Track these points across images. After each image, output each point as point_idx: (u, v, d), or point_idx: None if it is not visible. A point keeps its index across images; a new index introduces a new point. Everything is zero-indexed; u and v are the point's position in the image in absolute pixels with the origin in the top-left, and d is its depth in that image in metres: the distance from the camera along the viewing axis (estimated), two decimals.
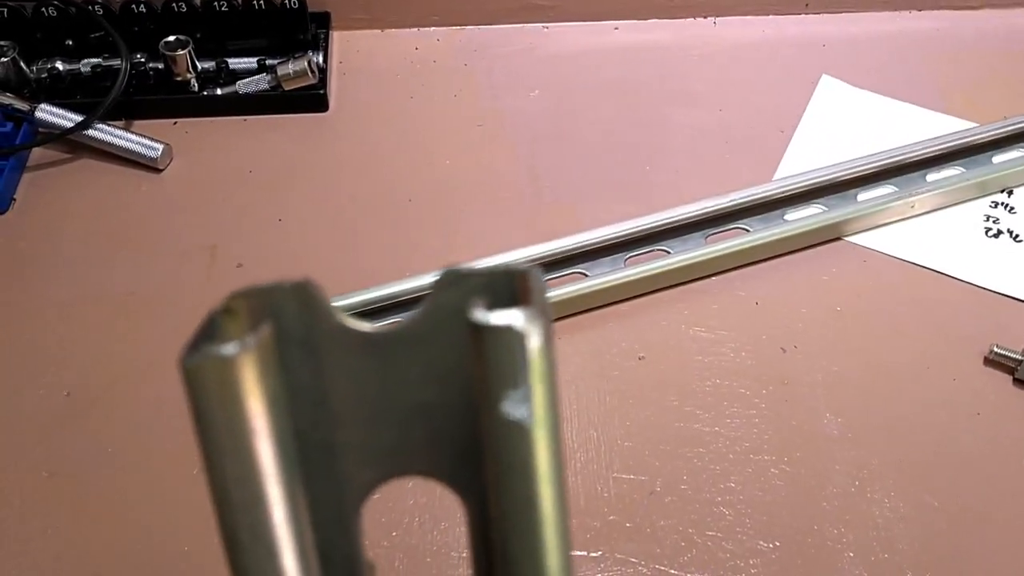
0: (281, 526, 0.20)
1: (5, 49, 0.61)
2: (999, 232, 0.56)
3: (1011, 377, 0.50)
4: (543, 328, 0.19)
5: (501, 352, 0.19)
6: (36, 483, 0.46)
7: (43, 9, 0.62)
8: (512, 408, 0.19)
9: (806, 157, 0.60)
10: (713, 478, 0.46)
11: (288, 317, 0.21)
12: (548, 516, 0.20)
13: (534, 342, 0.19)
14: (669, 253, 0.54)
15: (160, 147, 0.59)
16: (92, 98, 0.60)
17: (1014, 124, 0.59)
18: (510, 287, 0.22)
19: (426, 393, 0.22)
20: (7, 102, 0.59)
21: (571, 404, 0.49)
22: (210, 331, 0.20)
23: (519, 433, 0.19)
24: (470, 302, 0.21)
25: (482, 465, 0.21)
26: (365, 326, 0.22)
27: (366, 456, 0.23)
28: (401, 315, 0.51)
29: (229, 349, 0.19)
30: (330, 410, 0.22)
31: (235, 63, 0.64)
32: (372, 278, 0.51)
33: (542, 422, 0.19)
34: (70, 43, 0.63)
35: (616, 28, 0.69)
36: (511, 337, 0.19)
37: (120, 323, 0.52)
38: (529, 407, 0.19)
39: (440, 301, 0.22)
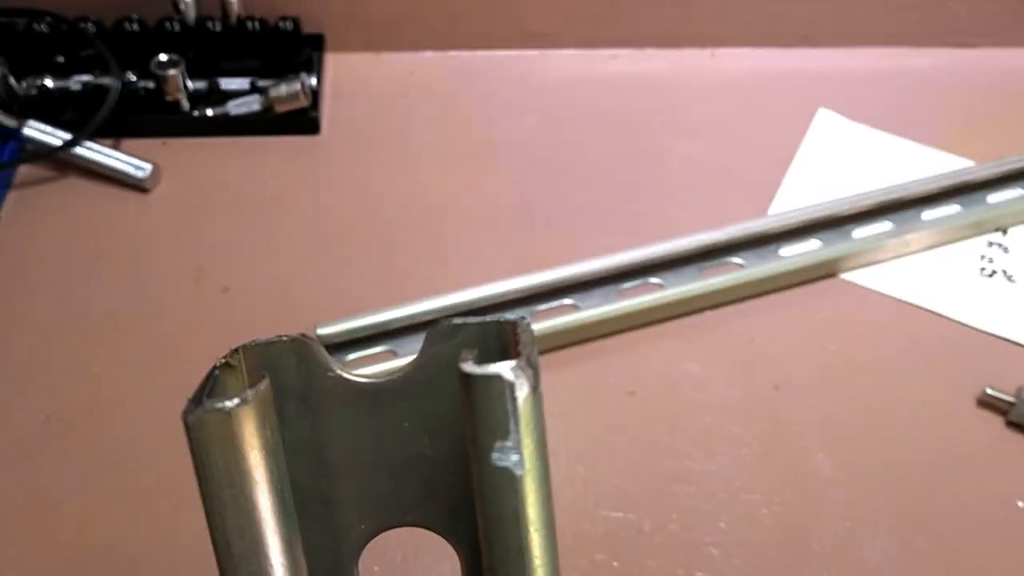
0: None
1: None
2: (994, 272, 0.56)
3: (1004, 419, 0.49)
4: (531, 378, 0.19)
5: (490, 402, 0.19)
6: (10, 508, 0.45)
7: (35, 25, 0.61)
8: (502, 458, 0.19)
9: (802, 191, 0.60)
10: (702, 517, 0.46)
11: (286, 371, 0.22)
12: (539, 565, 0.21)
13: (523, 392, 0.19)
14: (662, 286, 0.53)
15: (148, 167, 0.59)
16: (81, 116, 0.59)
17: (1010, 164, 0.59)
18: (500, 338, 0.22)
19: (420, 445, 0.23)
20: None
21: (559, 439, 0.48)
22: (211, 386, 0.21)
23: (509, 482, 0.20)
24: (461, 353, 0.21)
25: (474, 515, 0.21)
26: (361, 379, 0.23)
27: (362, 508, 0.23)
28: (390, 344, 0.50)
29: (229, 403, 0.19)
30: (327, 463, 0.23)
31: (227, 84, 0.64)
32: (361, 305, 0.51)
33: (532, 471, 0.20)
34: (61, 60, 0.62)
35: (613, 57, 0.69)
36: (500, 387, 0.19)
37: (102, 346, 0.52)
38: (519, 456, 0.20)
39: (433, 353, 0.22)
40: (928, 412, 0.50)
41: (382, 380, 0.23)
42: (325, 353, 0.23)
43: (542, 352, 0.51)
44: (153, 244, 0.57)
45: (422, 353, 0.23)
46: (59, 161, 0.60)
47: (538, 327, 0.51)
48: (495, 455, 0.20)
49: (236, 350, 0.22)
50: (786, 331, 0.53)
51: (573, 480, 0.47)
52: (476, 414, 0.19)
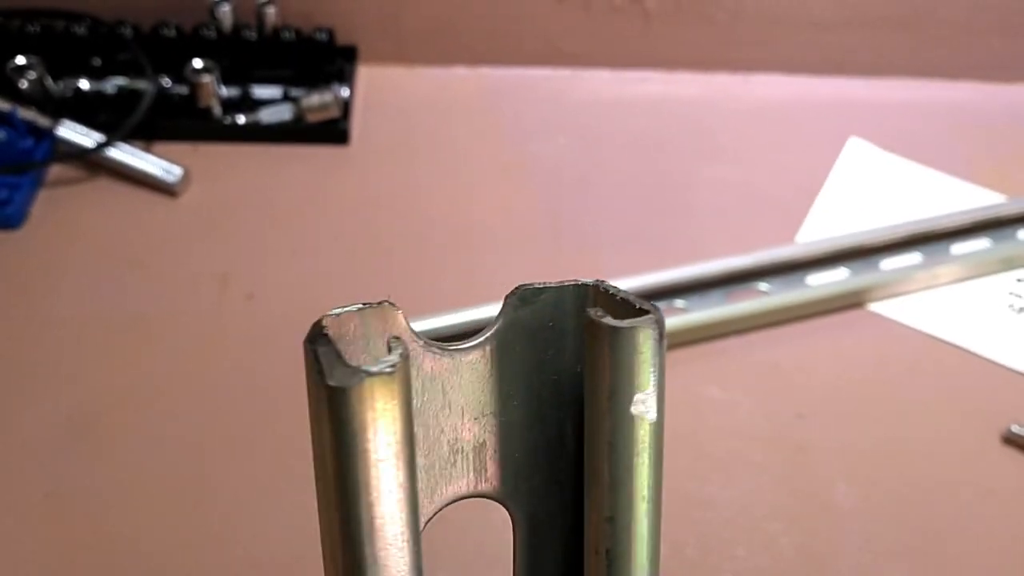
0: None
1: (32, 65, 0.61)
2: (1022, 309, 0.55)
3: None
4: (661, 330, 0.20)
5: (633, 353, 0.20)
6: (32, 504, 0.45)
7: (73, 27, 0.62)
8: (643, 408, 0.20)
9: (831, 219, 0.60)
10: (721, 544, 0.45)
11: (374, 340, 0.22)
12: (658, 511, 0.21)
13: (660, 343, 0.20)
14: (687, 310, 0.53)
15: (178, 171, 0.59)
16: (114, 118, 0.60)
17: None
18: (577, 300, 0.22)
19: (492, 409, 0.23)
20: (29, 118, 0.59)
21: None
22: (331, 354, 0.19)
23: (649, 430, 0.20)
24: (558, 311, 0.22)
25: (535, 477, 0.22)
26: (443, 348, 0.22)
27: (434, 478, 0.23)
28: None
29: (388, 366, 0.18)
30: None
31: (259, 92, 0.64)
32: None
33: (660, 420, 0.21)
34: (97, 62, 0.63)
35: (645, 79, 0.69)
36: (645, 338, 0.20)
37: (126, 347, 0.52)
38: (657, 406, 0.20)
39: (515, 318, 0.22)
40: (952, 447, 0.49)
41: (465, 348, 0.22)
42: (406, 322, 0.22)
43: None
44: (180, 248, 0.57)
45: (504, 318, 0.22)
46: (90, 162, 0.60)
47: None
48: (636, 406, 0.20)
49: (328, 316, 0.21)
50: (811, 360, 0.52)
51: None
52: (618, 365, 0.20)
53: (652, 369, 0.20)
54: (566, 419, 0.23)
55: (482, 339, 0.22)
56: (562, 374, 0.23)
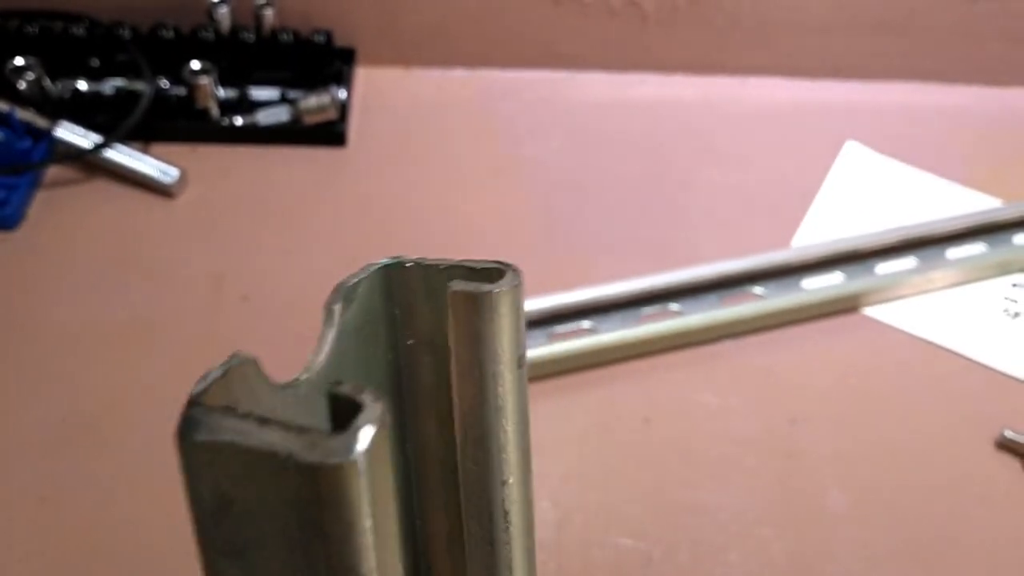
0: None
1: (30, 66, 0.61)
2: (1017, 313, 0.55)
3: (1022, 463, 0.49)
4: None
5: (511, 313, 0.20)
6: (25, 508, 0.45)
7: (71, 28, 0.62)
8: (526, 357, 0.20)
9: (826, 223, 0.60)
10: (713, 550, 0.45)
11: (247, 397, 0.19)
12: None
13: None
14: (681, 313, 0.53)
15: (175, 173, 0.59)
16: (112, 119, 0.60)
17: None
18: (385, 283, 0.22)
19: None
20: (27, 118, 0.59)
21: (572, 463, 0.48)
22: (270, 426, 0.16)
23: (526, 380, 0.21)
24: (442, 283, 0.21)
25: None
26: (288, 386, 0.21)
27: None
28: None
29: (379, 421, 0.15)
30: None
31: (257, 93, 0.64)
32: None
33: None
34: (95, 63, 0.63)
35: (643, 82, 0.69)
36: (518, 300, 0.20)
37: (121, 349, 0.52)
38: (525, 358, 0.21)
39: (342, 325, 0.21)
40: (945, 453, 0.49)
41: (305, 378, 0.21)
42: (261, 370, 0.20)
43: (558, 375, 0.51)
44: (176, 250, 0.57)
45: (336, 328, 0.21)
46: (88, 163, 0.60)
47: (555, 349, 0.51)
48: (523, 359, 0.20)
49: (196, 400, 0.18)
50: (805, 364, 0.52)
51: (584, 505, 0.46)
52: (504, 327, 0.20)
53: (524, 321, 0.20)
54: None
55: (321, 357, 0.21)
56: (378, 366, 0.22)
